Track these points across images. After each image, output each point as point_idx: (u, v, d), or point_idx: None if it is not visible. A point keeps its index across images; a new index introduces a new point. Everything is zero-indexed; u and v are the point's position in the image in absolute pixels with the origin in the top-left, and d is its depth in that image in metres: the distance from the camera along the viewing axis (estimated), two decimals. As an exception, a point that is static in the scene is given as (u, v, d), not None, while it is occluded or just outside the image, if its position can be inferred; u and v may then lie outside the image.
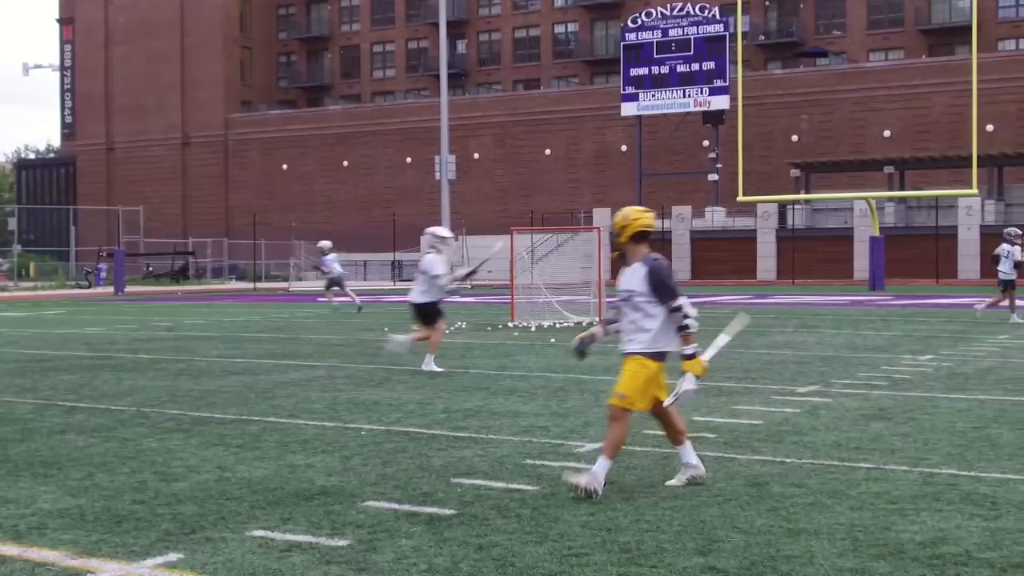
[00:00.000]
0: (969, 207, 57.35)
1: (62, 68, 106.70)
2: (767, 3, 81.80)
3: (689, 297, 7.74)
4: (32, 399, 12.40)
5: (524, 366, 15.59)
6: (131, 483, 7.78)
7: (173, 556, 5.87)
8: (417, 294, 15.34)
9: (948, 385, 12.99)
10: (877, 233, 48.90)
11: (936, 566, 5.60)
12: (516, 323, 24.60)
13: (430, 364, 14.92)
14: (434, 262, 15.13)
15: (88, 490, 7.56)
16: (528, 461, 8.42)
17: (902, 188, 63.03)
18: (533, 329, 23.22)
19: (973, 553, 5.82)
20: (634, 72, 68.92)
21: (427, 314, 15.17)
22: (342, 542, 6.11)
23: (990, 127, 66.35)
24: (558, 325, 24.12)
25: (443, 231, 15.83)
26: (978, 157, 47.18)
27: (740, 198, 49.57)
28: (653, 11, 69.56)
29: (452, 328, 23.77)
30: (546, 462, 8.37)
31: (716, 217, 66.28)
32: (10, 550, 6.02)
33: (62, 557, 5.88)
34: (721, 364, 15.40)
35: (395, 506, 6.96)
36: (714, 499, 7.11)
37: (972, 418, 10.41)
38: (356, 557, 5.82)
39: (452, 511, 6.81)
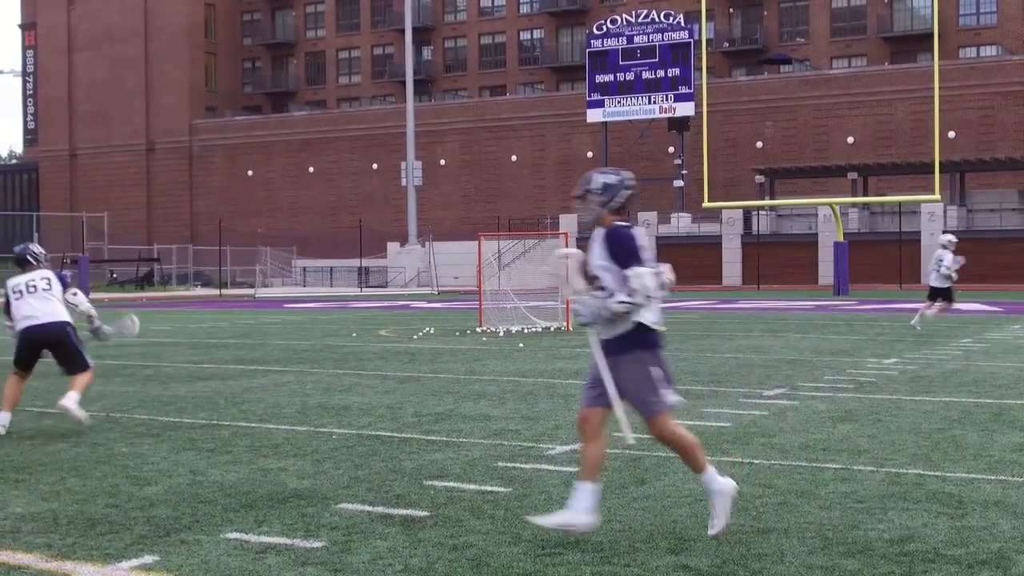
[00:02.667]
0: (932, 213, 57.88)
1: (24, 74, 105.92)
2: (731, 10, 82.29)
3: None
4: (0, 405, 12.32)
5: (493, 371, 15.63)
6: (103, 487, 7.78)
7: (148, 558, 5.88)
8: (938, 281, 22.46)
9: (913, 388, 13.14)
10: (841, 239, 49.28)
11: (904, 563, 5.69)
12: (484, 328, 24.64)
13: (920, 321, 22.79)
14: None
15: (60, 494, 7.55)
16: (500, 464, 8.47)
17: (865, 194, 63.54)
18: (501, 334, 23.27)
19: (940, 550, 5.92)
20: (600, 79, 69.16)
21: (948, 294, 22.58)
22: (317, 544, 6.15)
23: (952, 133, 67.03)
24: (526, 330, 24.18)
25: (953, 237, 23.13)
26: (940, 163, 47.61)
27: (706, 204, 49.82)
28: (618, 18, 69.86)
29: (420, 333, 23.82)
30: (518, 464, 8.43)
31: (682, 223, 66.60)
32: (-16, 554, 6.02)
33: (37, 560, 5.88)
34: (688, 368, 15.51)
35: (369, 508, 6.99)
36: (685, 499, 7.19)
37: (937, 420, 10.54)
38: (331, 558, 5.85)
39: (426, 513, 6.85)
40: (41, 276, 10.64)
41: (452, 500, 7.22)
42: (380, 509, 6.95)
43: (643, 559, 5.80)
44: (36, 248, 10.94)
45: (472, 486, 7.65)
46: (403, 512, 6.87)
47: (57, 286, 10.61)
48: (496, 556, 5.87)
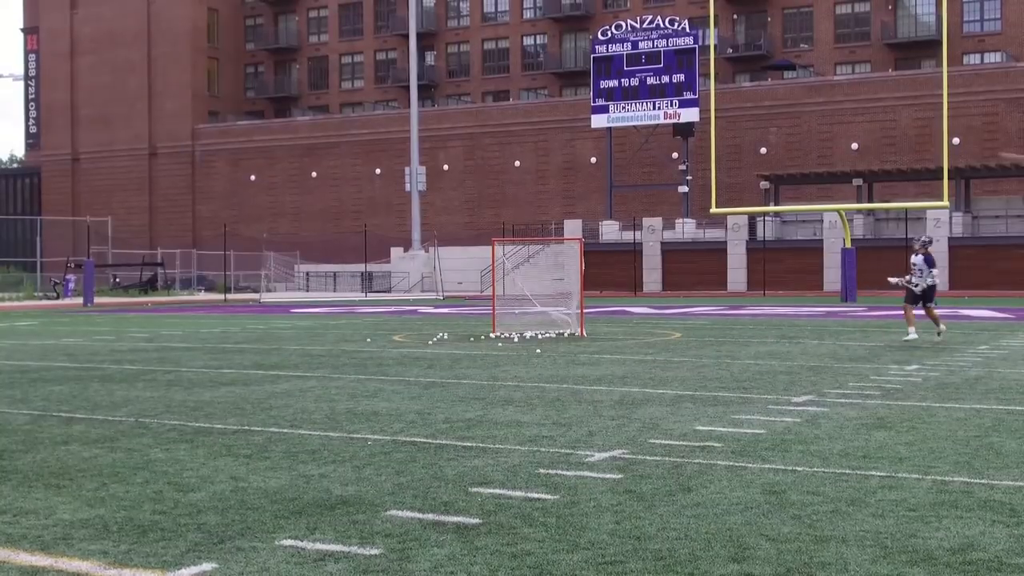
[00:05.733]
0: (937, 219, 57.85)
1: (26, 78, 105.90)
2: (735, 16, 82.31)
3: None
4: (27, 410, 12.29)
5: (515, 376, 15.58)
6: (147, 493, 7.73)
7: (207, 566, 5.84)
8: None
9: (940, 395, 13.10)
10: (849, 245, 49.23)
11: (971, 572, 5.65)
12: (499, 334, 24.58)
13: None
14: None
15: (105, 500, 7.51)
16: (541, 471, 8.42)
17: (870, 200, 63.51)
18: (516, 340, 23.22)
19: (1004, 559, 5.88)
20: (604, 84, 69.14)
21: None
22: (374, 551, 6.10)
23: (956, 140, 67.01)
24: (540, 336, 24.12)
25: None
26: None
27: (713, 210, 49.78)
28: (623, 23, 69.87)
29: (435, 339, 23.77)
30: (560, 471, 8.38)
31: (687, 229, 66.55)
32: (40, 560, 5.98)
33: (95, 567, 5.83)
34: (712, 374, 15.48)
35: (418, 515, 6.95)
36: (735, 507, 7.14)
37: (972, 427, 10.51)
38: (392, 566, 5.81)
39: (477, 520, 6.81)
40: (913, 262, 20.19)
41: (501, 507, 7.17)
42: (431, 516, 6.92)
43: (706, 567, 5.76)
44: (925, 238, 20.04)
45: (518, 493, 7.61)
46: (454, 519, 6.83)
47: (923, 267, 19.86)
48: (557, 564, 5.83)
